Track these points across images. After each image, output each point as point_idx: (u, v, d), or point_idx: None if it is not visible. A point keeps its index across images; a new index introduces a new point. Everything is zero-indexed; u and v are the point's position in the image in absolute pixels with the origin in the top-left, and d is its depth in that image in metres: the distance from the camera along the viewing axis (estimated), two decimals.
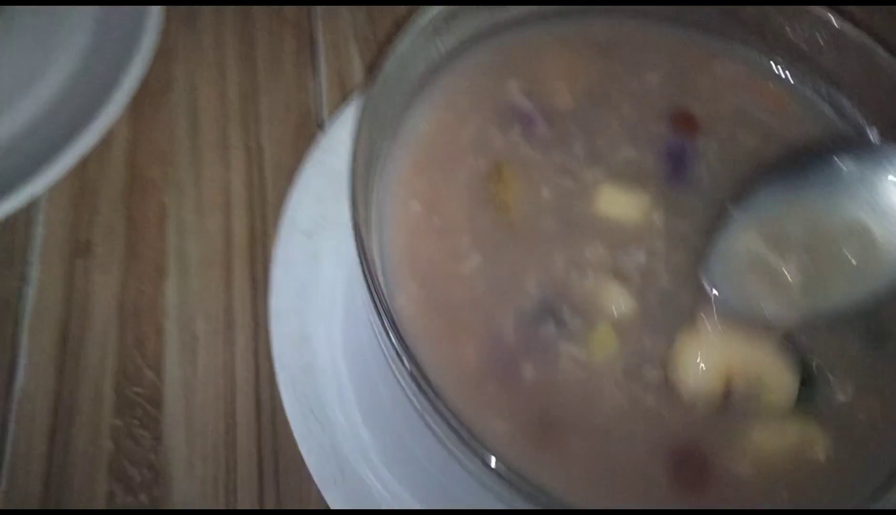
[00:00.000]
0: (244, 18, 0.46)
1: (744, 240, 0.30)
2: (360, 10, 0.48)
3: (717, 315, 0.30)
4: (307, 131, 0.43)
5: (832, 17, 0.34)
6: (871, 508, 0.27)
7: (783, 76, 0.36)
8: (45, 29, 0.43)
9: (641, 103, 0.35)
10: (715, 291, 0.30)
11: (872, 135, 0.35)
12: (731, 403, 0.28)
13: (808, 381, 0.29)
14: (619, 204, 0.32)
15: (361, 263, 0.26)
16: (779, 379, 0.29)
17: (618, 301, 0.30)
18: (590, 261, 0.31)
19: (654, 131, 0.34)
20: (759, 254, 0.30)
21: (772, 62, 0.36)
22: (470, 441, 0.25)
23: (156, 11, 0.43)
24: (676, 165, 0.33)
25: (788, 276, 0.30)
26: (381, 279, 0.29)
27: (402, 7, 0.48)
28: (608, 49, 0.36)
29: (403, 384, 0.25)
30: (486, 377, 0.28)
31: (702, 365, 0.29)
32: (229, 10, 0.46)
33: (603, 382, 0.29)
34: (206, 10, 0.46)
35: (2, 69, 0.41)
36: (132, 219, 0.39)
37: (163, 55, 0.44)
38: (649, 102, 0.35)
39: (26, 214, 0.38)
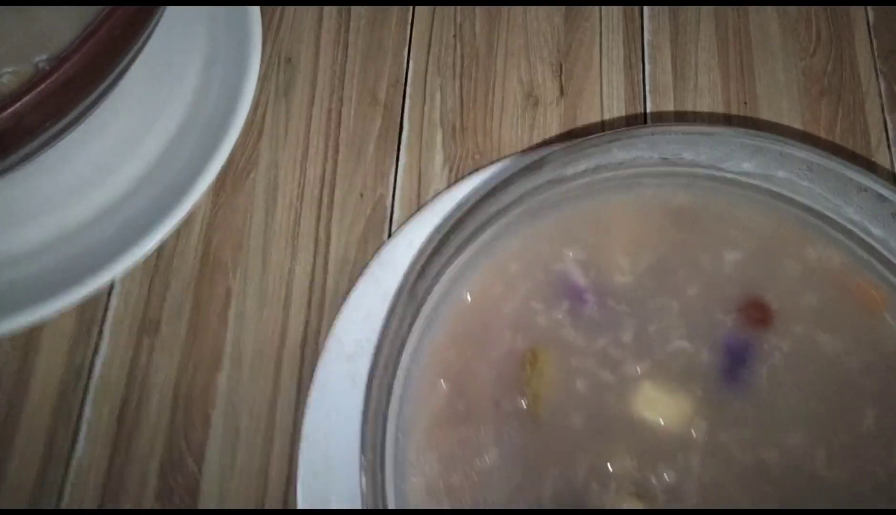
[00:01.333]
0: (337, 96, 0.46)
1: None
2: (450, 94, 0.47)
3: None
4: (377, 225, 0.43)
5: None
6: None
7: (885, 275, 0.32)
8: (146, 101, 0.45)
9: (711, 286, 0.32)
10: None
11: None
12: None
13: None
14: (659, 406, 0.30)
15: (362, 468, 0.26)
16: None
17: None
18: (614, 474, 0.29)
19: (718, 321, 0.32)
20: None
21: (873, 258, 0.32)
22: None
23: (252, 84, 0.44)
24: (734, 365, 0.31)
25: None
26: (392, 459, 0.29)
27: (498, 93, 0.47)
28: (684, 218, 0.33)
29: None
30: None
31: None
32: (323, 85, 0.47)
33: None
34: (301, 83, 0.47)
35: (104, 142, 0.43)
36: (199, 301, 0.41)
37: (251, 129, 0.45)
38: (720, 286, 0.32)
39: (102, 294, 0.41)
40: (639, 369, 0.31)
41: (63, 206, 0.42)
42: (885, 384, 0.30)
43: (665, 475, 0.29)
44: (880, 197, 0.30)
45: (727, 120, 0.46)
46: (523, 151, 0.30)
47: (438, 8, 0.49)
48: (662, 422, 0.30)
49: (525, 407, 0.30)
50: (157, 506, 0.37)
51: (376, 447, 0.27)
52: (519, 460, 0.29)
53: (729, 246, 0.33)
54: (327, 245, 0.43)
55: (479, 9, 0.49)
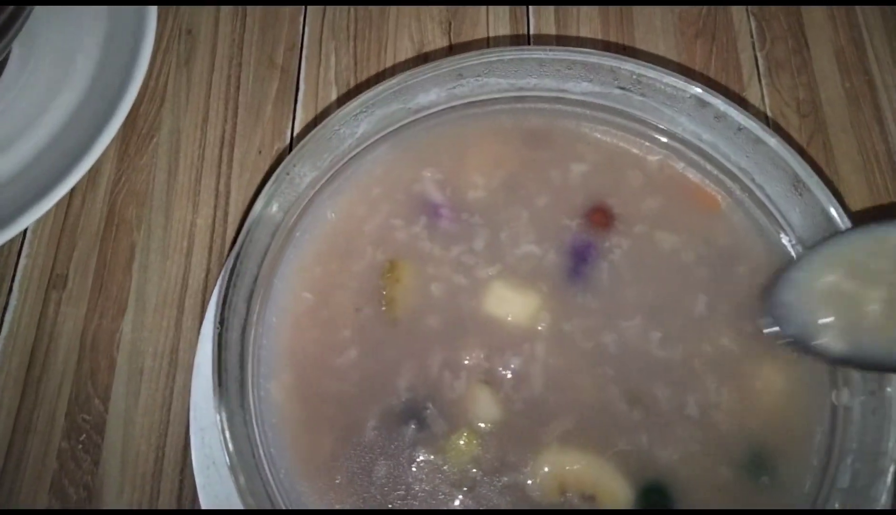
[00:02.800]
0: (236, 63, 0.49)
1: (822, 272, 0.30)
2: (345, 55, 0.49)
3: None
4: None
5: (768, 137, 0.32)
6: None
7: (720, 178, 0.35)
8: (53, 66, 0.47)
9: (559, 196, 0.35)
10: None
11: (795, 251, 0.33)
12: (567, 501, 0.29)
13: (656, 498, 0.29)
14: (507, 304, 0.32)
15: (213, 352, 0.28)
16: (610, 490, 0.29)
17: (485, 408, 0.31)
18: (465, 365, 0.32)
19: (564, 226, 0.34)
20: (839, 286, 0.29)
21: (708, 163, 0.35)
22: None
23: (146, 55, 0.46)
24: (578, 264, 0.33)
25: (872, 307, 0.28)
26: (255, 365, 0.31)
27: (390, 52, 0.49)
28: (537, 139, 0.36)
29: None
30: (337, 468, 0.30)
31: (546, 469, 0.29)
32: (223, 53, 0.49)
33: (455, 489, 0.30)
34: (201, 52, 0.49)
35: (15, 104, 0.46)
36: (104, 256, 0.43)
37: (153, 97, 0.48)
38: (568, 196, 0.35)
39: (9, 245, 0.43)
40: (490, 272, 0.33)
41: None
42: (716, 273, 0.33)
43: (512, 363, 0.31)
44: (702, 102, 0.33)
45: None
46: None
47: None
48: (510, 318, 0.32)
49: (383, 311, 0.32)
50: (64, 443, 0.39)
51: (235, 358, 0.29)
52: (377, 357, 0.32)
53: (576, 160, 0.35)
54: (227, 198, 0.45)
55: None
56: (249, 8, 0.51)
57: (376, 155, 0.35)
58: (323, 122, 0.32)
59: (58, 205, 0.44)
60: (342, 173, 0.35)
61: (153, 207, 0.45)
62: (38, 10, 0.48)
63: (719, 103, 0.32)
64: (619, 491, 0.29)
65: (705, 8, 0.51)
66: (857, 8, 0.50)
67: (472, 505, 0.29)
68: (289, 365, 0.31)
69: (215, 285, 0.40)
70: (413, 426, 0.30)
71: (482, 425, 0.30)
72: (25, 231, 0.44)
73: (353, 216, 0.34)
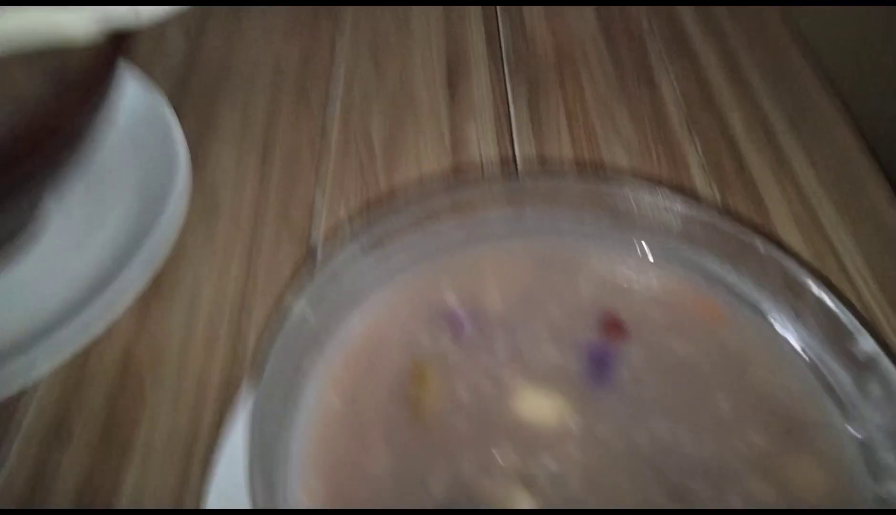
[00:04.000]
0: (256, 224, 0.52)
1: None
2: (358, 220, 0.53)
3: None
4: None
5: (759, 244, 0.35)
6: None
7: (720, 292, 0.37)
8: (77, 231, 0.50)
9: (573, 310, 0.37)
10: None
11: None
12: None
13: None
14: (536, 407, 0.33)
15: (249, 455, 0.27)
16: None
17: (524, 508, 0.29)
18: (500, 466, 0.31)
19: (581, 336, 0.35)
20: None
21: (703, 278, 0.37)
22: None
23: (175, 218, 0.49)
24: (599, 369, 0.34)
25: None
26: (283, 473, 0.30)
27: None
28: (546, 259, 0.39)
29: None
30: None
31: None
32: (244, 213, 0.53)
33: None
34: (224, 208, 0.53)
35: (50, 247, 0.47)
36: (114, 409, 0.42)
37: (175, 256, 0.50)
38: (581, 309, 0.37)
39: (16, 400, 0.42)
40: (515, 378, 0.34)
41: None
42: (733, 376, 0.34)
43: (547, 464, 0.31)
44: (688, 217, 0.36)
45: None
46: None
47: (345, 159, 0.57)
48: (541, 421, 0.32)
49: (413, 414, 0.32)
50: None
51: (266, 461, 0.29)
52: (408, 461, 0.31)
53: (584, 279, 0.38)
54: (244, 344, 0.46)
55: (379, 152, 0.58)
56: (274, 172, 0.55)
57: (400, 277, 0.37)
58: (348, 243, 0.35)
59: (72, 362, 0.44)
60: (370, 294, 0.36)
61: (167, 360, 0.45)
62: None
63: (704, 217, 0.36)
64: None
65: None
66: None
67: None
68: (318, 471, 0.30)
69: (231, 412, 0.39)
70: None
71: None
72: (36, 385, 0.43)
73: (381, 327, 0.35)
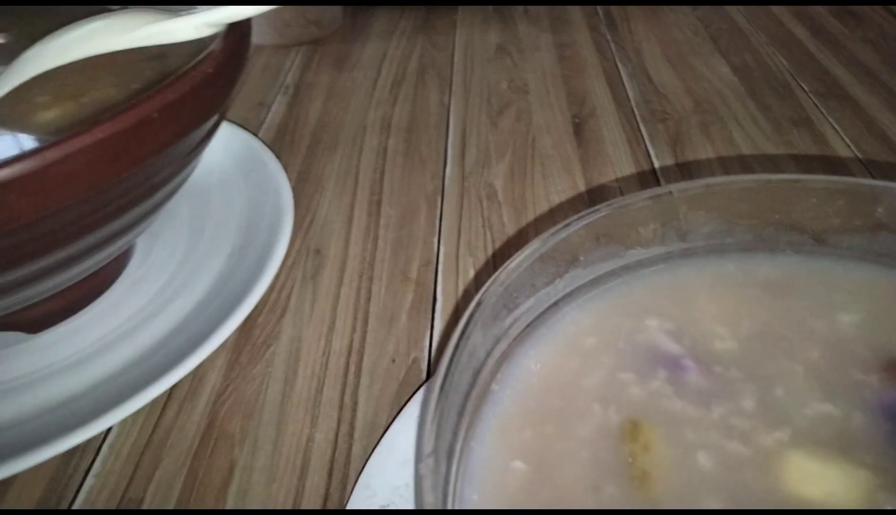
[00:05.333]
0: (366, 277, 0.44)
1: None
2: (483, 271, 0.45)
3: None
4: (411, 388, 0.37)
5: None
6: None
7: None
8: (173, 269, 0.43)
9: (836, 349, 0.26)
10: None
11: None
12: None
13: None
14: (820, 480, 0.22)
15: None
16: None
17: None
18: None
19: (860, 381, 0.25)
20: None
21: None
22: None
23: (275, 267, 0.42)
24: None
25: None
26: None
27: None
28: (779, 288, 0.29)
29: None
30: None
31: None
32: (352, 269, 0.45)
33: None
34: (329, 269, 0.45)
35: (128, 301, 0.41)
36: (194, 475, 0.33)
37: (274, 309, 0.42)
38: (847, 348, 0.26)
39: (77, 461, 0.34)
40: (779, 438, 0.23)
41: (60, 375, 0.37)
42: None
43: None
44: None
45: None
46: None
47: (466, 211, 0.50)
48: (832, 498, 0.21)
49: (635, 488, 0.22)
50: None
51: None
52: None
53: (840, 309, 0.28)
54: (353, 411, 0.36)
55: (503, 201, 0.50)
56: (381, 230, 0.48)
57: (579, 303, 0.28)
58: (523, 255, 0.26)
59: (146, 416, 0.36)
60: (542, 324, 0.27)
61: (262, 420, 0.36)
62: (174, 207, 0.47)
63: None
64: None
65: None
66: None
67: None
68: None
69: (349, 495, 0.29)
70: None
71: None
72: (100, 447, 0.35)
73: (564, 369, 0.26)
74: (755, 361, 0.26)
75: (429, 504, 0.19)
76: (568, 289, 0.28)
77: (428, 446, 0.19)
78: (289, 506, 0.32)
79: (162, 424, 0.36)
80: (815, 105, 0.59)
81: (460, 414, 0.23)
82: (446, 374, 0.21)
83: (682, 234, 0.29)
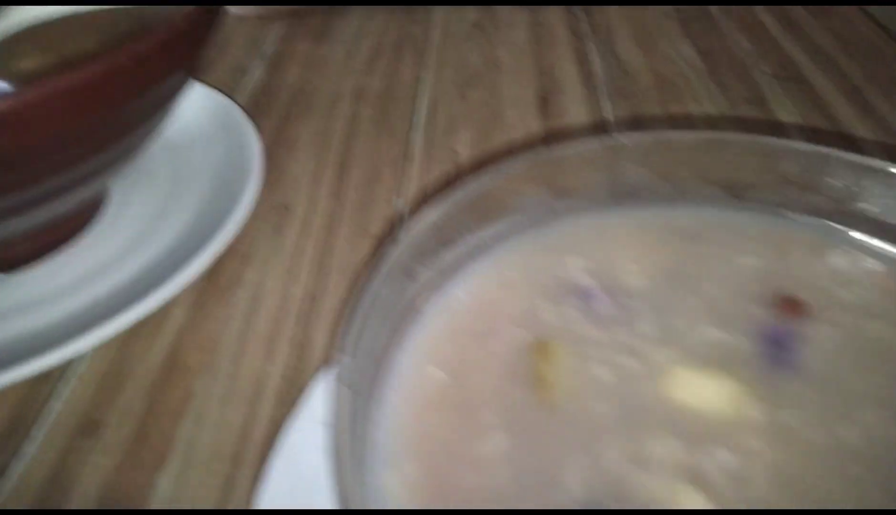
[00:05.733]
0: (331, 233, 0.47)
1: None
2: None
3: None
4: None
5: None
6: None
7: None
8: (143, 219, 0.46)
9: (733, 287, 0.29)
10: None
11: None
12: None
13: None
14: (701, 390, 0.24)
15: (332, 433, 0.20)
16: None
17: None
18: (657, 458, 0.23)
19: (751, 314, 0.28)
20: None
21: None
22: None
23: (242, 214, 0.45)
24: (778, 351, 0.26)
25: None
26: (370, 456, 0.22)
27: None
28: (693, 235, 0.31)
29: None
30: None
31: None
32: (318, 225, 0.47)
33: None
34: (295, 223, 0.48)
35: (117, 230, 0.45)
36: (153, 403, 0.36)
37: (240, 256, 0.45)
38: (743, 286, 0.29)
39: (41, 386, 0.36)
40: (669, 355, 0.26)
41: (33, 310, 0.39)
42: None
43: (720, 458, 0.22)
44: (889, 174, 0.29)
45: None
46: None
47: (428, 174, 0.52)
48: (709, 406, 0.24)
49: (537, 394, 0.25)
50: None
51: (348, 440, 0.22)
52: (532, 447, 0.23)
53: (743, 254, 0.30)
54: (307, 348, 0.39)
55: (466, 164, 0.53)
56: (347, 190, 0.51)
57: (508, 243, 0.30)
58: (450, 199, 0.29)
59: (112, 349, 0.39)
60: (473, 259, 0.30)
61: (221, 355, 0.39)
62: (149, 163, 0.49)
63: None
64: None
65: None
66: None
67: None
68: (414, 454, 0.23)
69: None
70: None
71: None
72: (67, 376, 0.37)
73: (488, 297, 0.28)
74: (659, 295, 0.28)
75: (343, 396, 0.21)
76: (499, 230, 0.30)
77: (348, 345, 0.22)
78: (240, 431, 0.35)
79: (126, 357, 0.38)
80: (772, 86, 0.62)
81: (393, 329, 0.26)
82: (370, 287, 0.23)
83: (608, 185, 0.32)
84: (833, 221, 0.31)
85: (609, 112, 0.58)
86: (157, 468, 0.33)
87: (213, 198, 0.47)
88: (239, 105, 0.56)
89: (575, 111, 0.59)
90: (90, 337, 0.36)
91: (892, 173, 0.29)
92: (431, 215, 0.28)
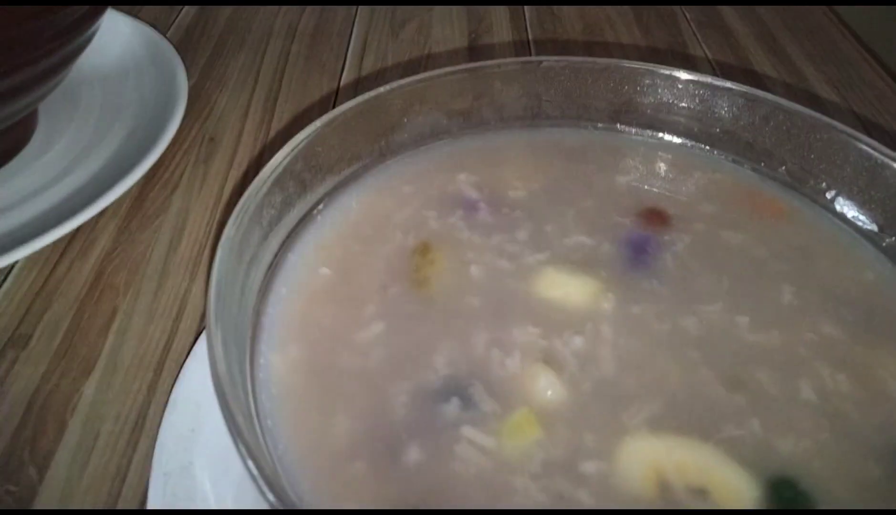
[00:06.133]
0: (256, 164, 0.48)
1: None
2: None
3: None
4: None
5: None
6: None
7: (781, 190, 0.32)
8: (71, 145, 0.47)
9: (606, 200, 0.32)
10: None
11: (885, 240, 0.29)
12: (671, 496, 0.21)
13: (789, 494, 0.21)
14: (562, 286, 0.27)
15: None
16: (727, 483, 0.21)
17: (546, 387, 0.24)
18: (517, 343, 0.25)
19: (616, 223, 0.31)
20: None
21: (766, 176, 0.33)
22: None
23: (165, 142, 0.46)
24: (636, 254, 0.29)
25: None
26: (259, 339, 0.25)
27: None
28: (577, 154, 0.34)
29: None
30: (355, 453, 0.22)
31: (636, 457, 0.21)
32: (242, 156, 0.49)
33: (515, 475, 0.22)
34: (221, 154, 0.49)
35: (32, 169, 0.45)
36: (80, 318, 0.38)
37: (167, 185, 0.46)
38: (615, 200, 0.32)
39: None
40: (539, 258, 0.29)
41: None
42: (796, 267, 0.29)
43: (574, 342, 0.25)
44: (748, 96, 0.32)
45: None
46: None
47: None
48: (567, 299, 0.27)
49: (415, 289, 0.27)
50: None
51: (232, 314, 0.24)
52: (407, 334, 0.26)
53: (619, 173, 0.33)
54: None
55: None
56: (275, 123, 0.52)
57: (403, 158, 0.33)
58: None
59: (39, 269, 0.40)
60: (367, 172, 0.32)
61: (146, 275, 0.40)
62: (71, 90, 0.50)
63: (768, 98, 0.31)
64: (740, 484, 0.22)
65: None
66: None
67: (542, 496, 0.21)
68: (298, 338, 0.25)
69: None
70: (456, 403, 0.23)
71: (545, 406, 0.23)
72: None
73: (379, 207, 0.31)
74: (537, 206, 0.31)
75: (222, 283, 0.23)
76: (393, 147, 0.33)
77: (230, 232, 0.24)
78: (163, 343, 0.37)
79: (53, 276, 0.40)
80: (694, 32, 0.65)
81: (288, 234, 0.28)
82: (253, 191, 0.26)
83: (499, 108, 0.34)
84: (699, 142, 0.34)
85: (533, 51, 0.60)
86: (84, 376, 0.35)
87: (139, 128, 0.48)
88: (169, 40, 0.57)
89: (500, 53, 0.61)
90: (16, 253, 0.37)
91: (748, 94, 0.31)
92: (318, 128, 0.30)
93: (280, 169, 0.26)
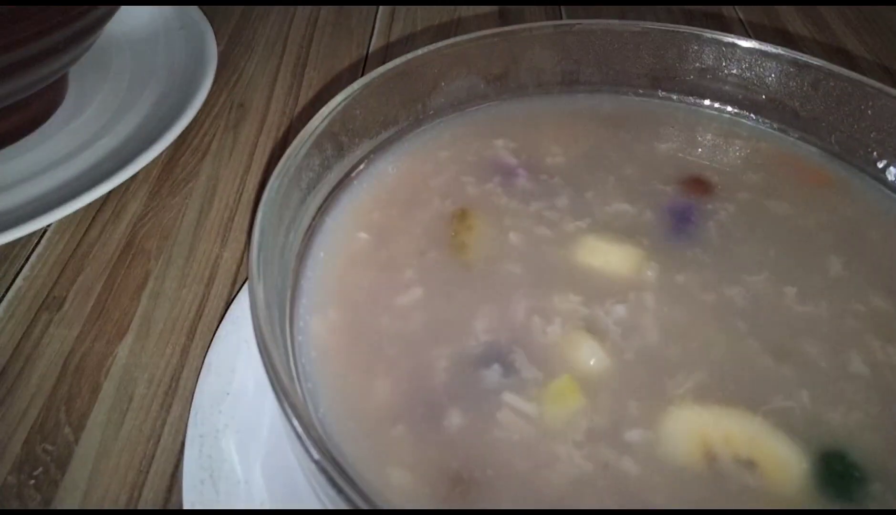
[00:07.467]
0: (284, 130, 0.48)
1: None
2: None
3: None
4: None
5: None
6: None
7: (826, 160, 0.31)
8: (103, 109, 0.47)
9: (647, 167, 0.31)
10: None
11: None
12: (719, 467, 0.20)
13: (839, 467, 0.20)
14: (604, 254, 0.27)
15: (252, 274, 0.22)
16: (776, 455, 0.20)
17: (589, 355, 0.24)
18: (559, 310, 0.25)
19: (658, 190, 0.30)
20: None
21: (811, 146, 0.32)
22: (349, 491, 0.18)
23: (195, 108, 0.45)
24: (679, 222, 0.28)
25: None
26: (298, 302, 0.25)
27: None
28: (615, 121, 0.33)
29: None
30: (396, 416, 0.22)
31: (682, 426, 0.21)
32: (272, 123, 0.48)
33: (558, 442, 0.21)
34: (251, 121, 0.49)
35: (61, 135, 0.46)
36: (113, 282, 0.38)
37: (197, 151, 0.46)
38: (656, 167, 0.31)
39: (6, 267, 0.38)
40: (579, 225, 0.28)
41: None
42: (844, 238, 0.28)
43: (617, 311, 0.25)
44: (798, 63, 0.31)
45: None
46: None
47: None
48: (609, 268, 0.27)
49: (454, 255, 0.27)
50: (12, 478, 0.30)
51: (273, 277, 0.24)
52: (447, 299, 0.25)
53: (659, 140, 0.32)
54: None
55: None
56: (304, 90, 0.51)
57: (440, 123, 0.32)
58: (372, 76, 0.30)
59: (72, 233, 0.40)
60: (403, 138, 0.31)
61: (177, 240, 0.40)
62: (101, 55, 0.50)
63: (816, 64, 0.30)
64: (789, 456, 0.21)
65: None
66: None
67: (588, 464, 0.21)
68: (337, 301, 0.25)
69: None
70: (497, 369, 0.23)
71: (587, 374, 0.23)
72: (29, 256, 0.39)
73: (417, 172, 0.30)
74: (577, 173, 0.30)
75: (264, 244, 0.23)
76: (430, 111, 0.32)
77: (271, 193, 0.24)
78: (195, 308, 0.37)
79: (85, 241, 0.40)
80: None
81: (326, 197, 0.27)
82: (292, 152, 0.25)
83: (536, 73, 0.33)
84: (743, 110, 0.33)
85: (563, 15, 0.59)
86: (117, 339, 0.35)
87: (169, 93, 0.48)
88: (198, 5, 0.56)
89: (531, 18, 0.59)
90: (48, 217, 0.38)
91: (798, 60, 0.30)
92: (355, 90, 0.29)
93: (319, 130, 0.26)
